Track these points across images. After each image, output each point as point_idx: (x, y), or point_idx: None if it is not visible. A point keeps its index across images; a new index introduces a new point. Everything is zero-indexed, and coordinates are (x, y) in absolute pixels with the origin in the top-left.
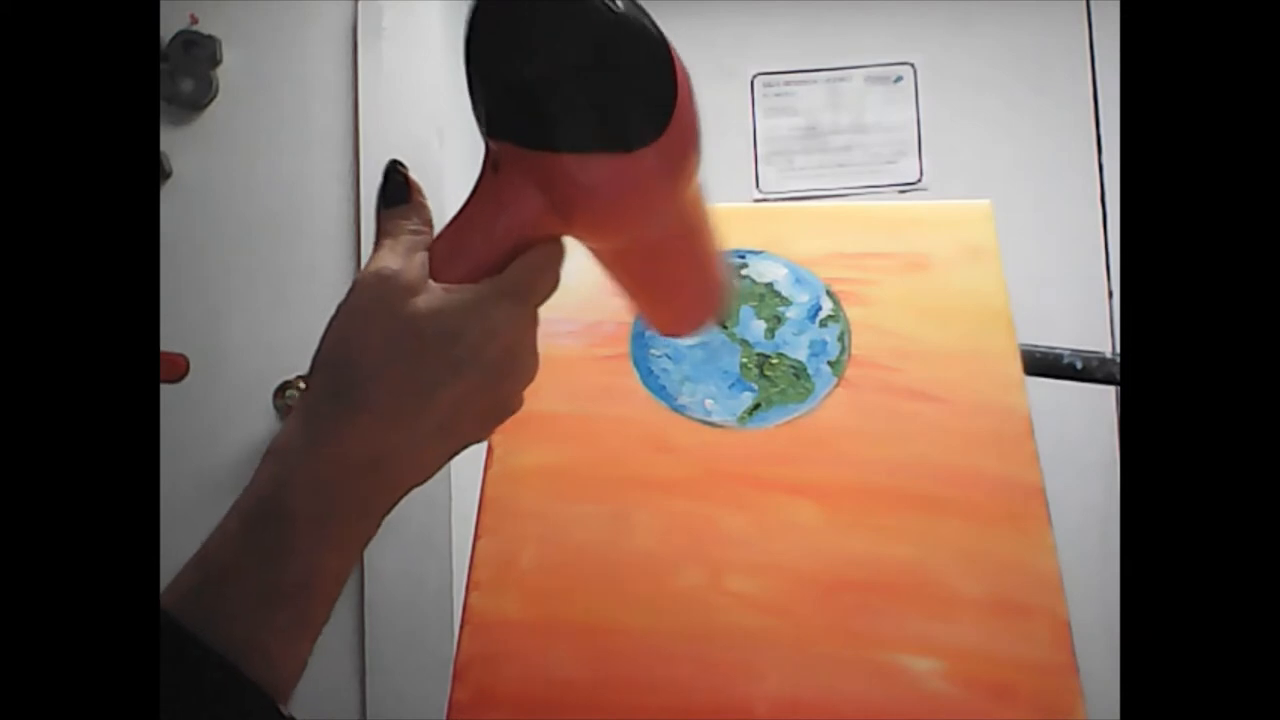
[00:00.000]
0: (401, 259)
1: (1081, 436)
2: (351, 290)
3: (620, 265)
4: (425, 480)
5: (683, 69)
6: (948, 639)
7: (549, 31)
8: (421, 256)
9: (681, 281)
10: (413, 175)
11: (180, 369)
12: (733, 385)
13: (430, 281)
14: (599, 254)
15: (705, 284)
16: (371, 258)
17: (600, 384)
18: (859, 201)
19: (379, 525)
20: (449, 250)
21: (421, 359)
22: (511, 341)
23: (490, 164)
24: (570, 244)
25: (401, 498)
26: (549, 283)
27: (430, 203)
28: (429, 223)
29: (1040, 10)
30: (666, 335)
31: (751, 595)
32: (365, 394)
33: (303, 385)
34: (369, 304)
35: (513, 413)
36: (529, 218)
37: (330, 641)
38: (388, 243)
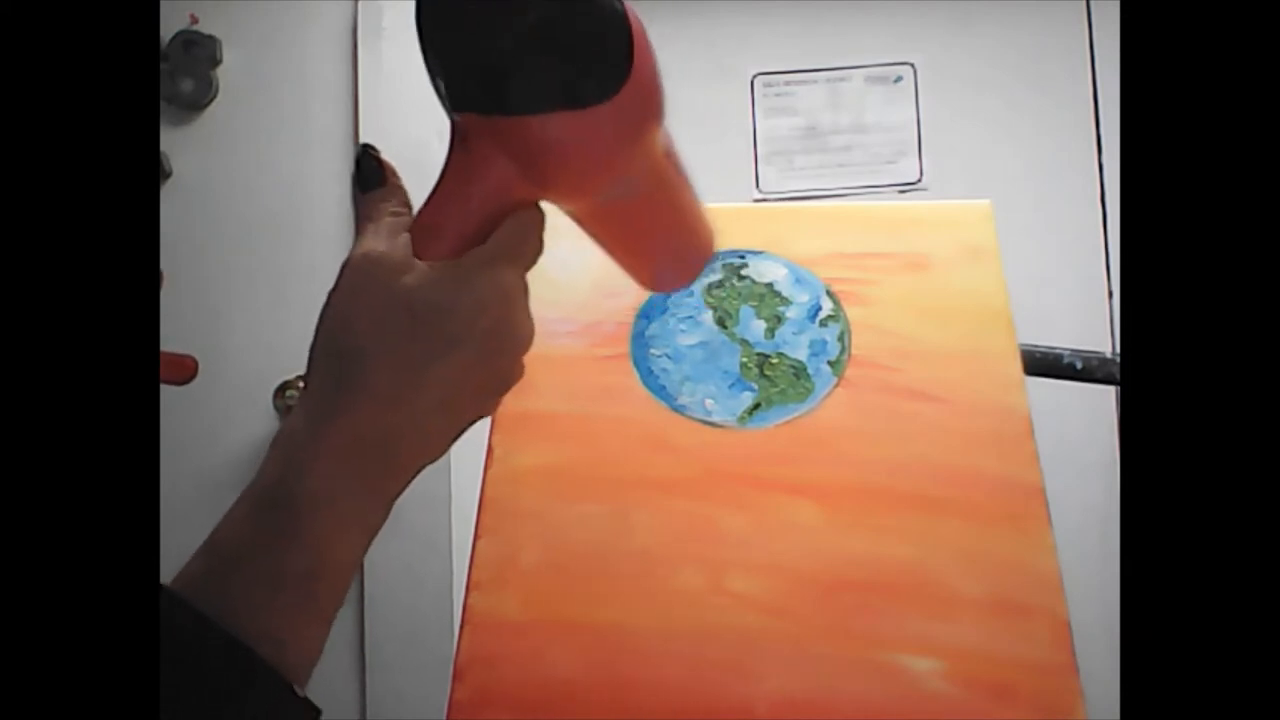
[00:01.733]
0: (386, 241)
1: (1081, 436)
2: (340, 275)
3: (598, 224)
4: (433, 460)
5: (638, 24)
6: (948, 639)
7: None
8: (405, 238)
9: (661, 237)
10: (395, 163)
11: (189, 370)
12: (733, 385)
13: (415, 260)
14: (577, 215)
15: (686, 238)
16: (356, 242)
17: (600, 384)
18: (859, 201)
19: (388, 510)
20: (428, 229)
21: (414, 337)
22: (502, 311)
23: (458, 139)
24: (575, 236)
25: (411, 479)
26: (532, 248)
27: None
28: (407, 204)
29: (1040, 10)
30: (653, 291)
31: (751, 595)
32: (363, 377)
33: (302, 384)
34: (359, 288)
35: (513, 383)
36: (501, 186)
37: (330, 641)
38: (370, 227)
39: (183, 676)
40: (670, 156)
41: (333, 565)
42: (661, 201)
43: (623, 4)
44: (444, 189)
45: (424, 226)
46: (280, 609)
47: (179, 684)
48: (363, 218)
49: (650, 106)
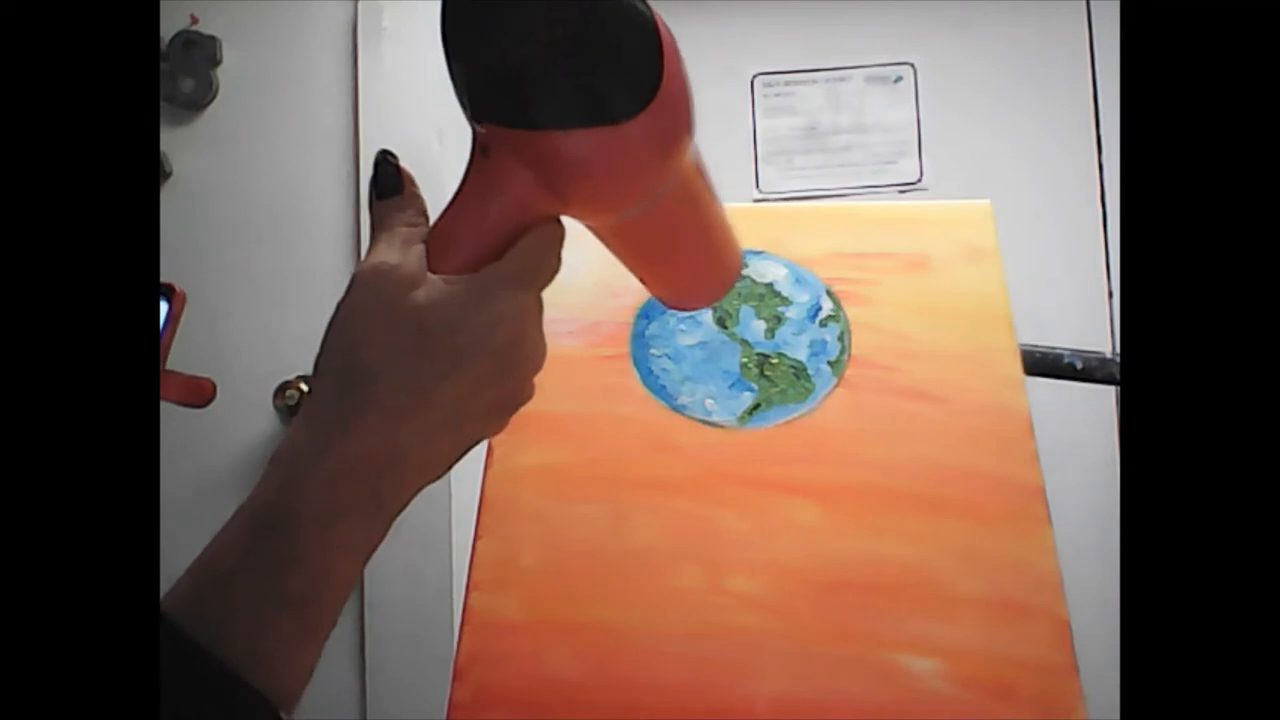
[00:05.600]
0: (399, 253)
1: (1081, 436)
2: (350, 287)
3: (621, 241)
4: (436, 478)
5: (669, 37)
6: (948, 639)
7: (524, 9)
8: (419, 249)
9: (685, 255)
10: (405, 166)
11: (207, 394)
12: (733, 385)
13: (429, 274)
14: (599, 231)
15: (711, 257)
16: (369, 252)
17: (600, 384)
18: (859, 201)
19: (388, 528)
20: (444, 240)
21: (424, 353)
22: (515, 329)
23: (479, 149)
24: (575, 235)
25: (411, 498)
26: (550, 266)
27: (430, 202)
28: (424, 213)
29: (1040, 10)
30: (676, 309)
31: (751, 595)
32: (370, 392)
33: (304, 387)
34: (369, 301)
35: (523, 403)
36: (522, 199)
37: (330, 641)
38: (384, 236)
39: (169, 703)
40: (699, 170)
41: (329, 587)
42: (687, 218)
43: (652, 13)
44: (462, 200)
45: (440, 237)
46: (274, 632)
47: (168, 712)
48: (377, 227)
49: (680, 121)
